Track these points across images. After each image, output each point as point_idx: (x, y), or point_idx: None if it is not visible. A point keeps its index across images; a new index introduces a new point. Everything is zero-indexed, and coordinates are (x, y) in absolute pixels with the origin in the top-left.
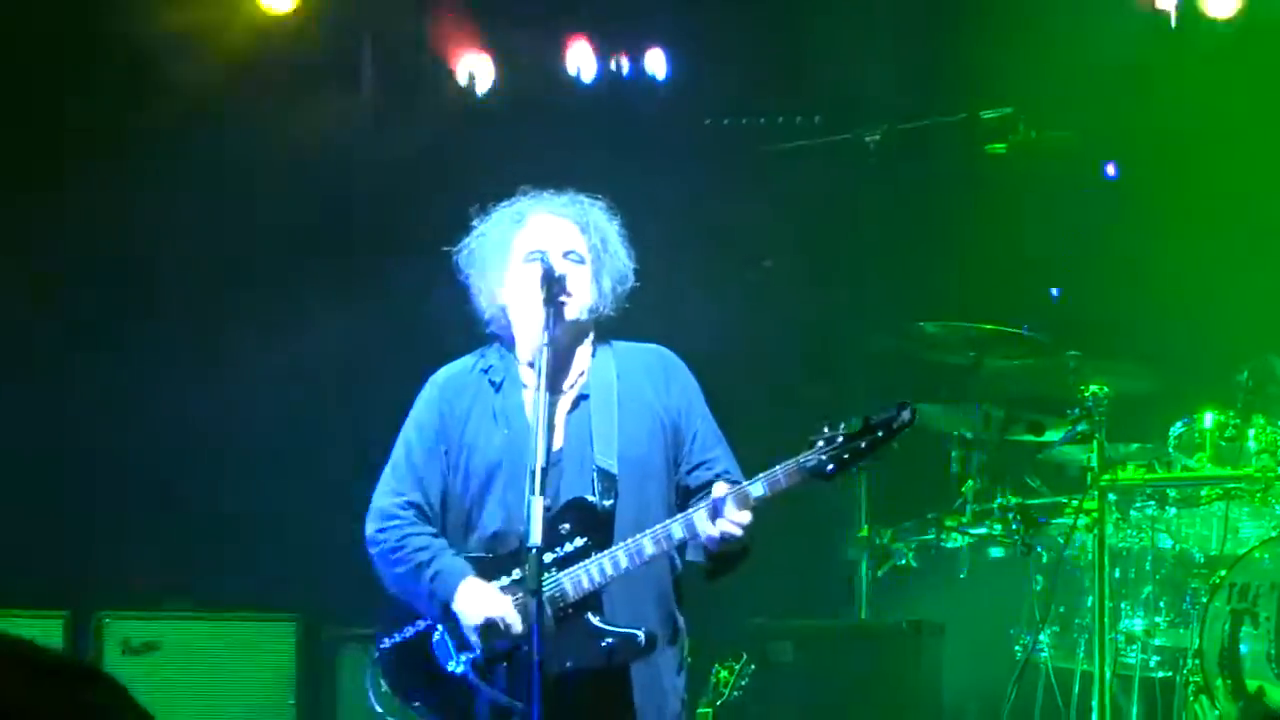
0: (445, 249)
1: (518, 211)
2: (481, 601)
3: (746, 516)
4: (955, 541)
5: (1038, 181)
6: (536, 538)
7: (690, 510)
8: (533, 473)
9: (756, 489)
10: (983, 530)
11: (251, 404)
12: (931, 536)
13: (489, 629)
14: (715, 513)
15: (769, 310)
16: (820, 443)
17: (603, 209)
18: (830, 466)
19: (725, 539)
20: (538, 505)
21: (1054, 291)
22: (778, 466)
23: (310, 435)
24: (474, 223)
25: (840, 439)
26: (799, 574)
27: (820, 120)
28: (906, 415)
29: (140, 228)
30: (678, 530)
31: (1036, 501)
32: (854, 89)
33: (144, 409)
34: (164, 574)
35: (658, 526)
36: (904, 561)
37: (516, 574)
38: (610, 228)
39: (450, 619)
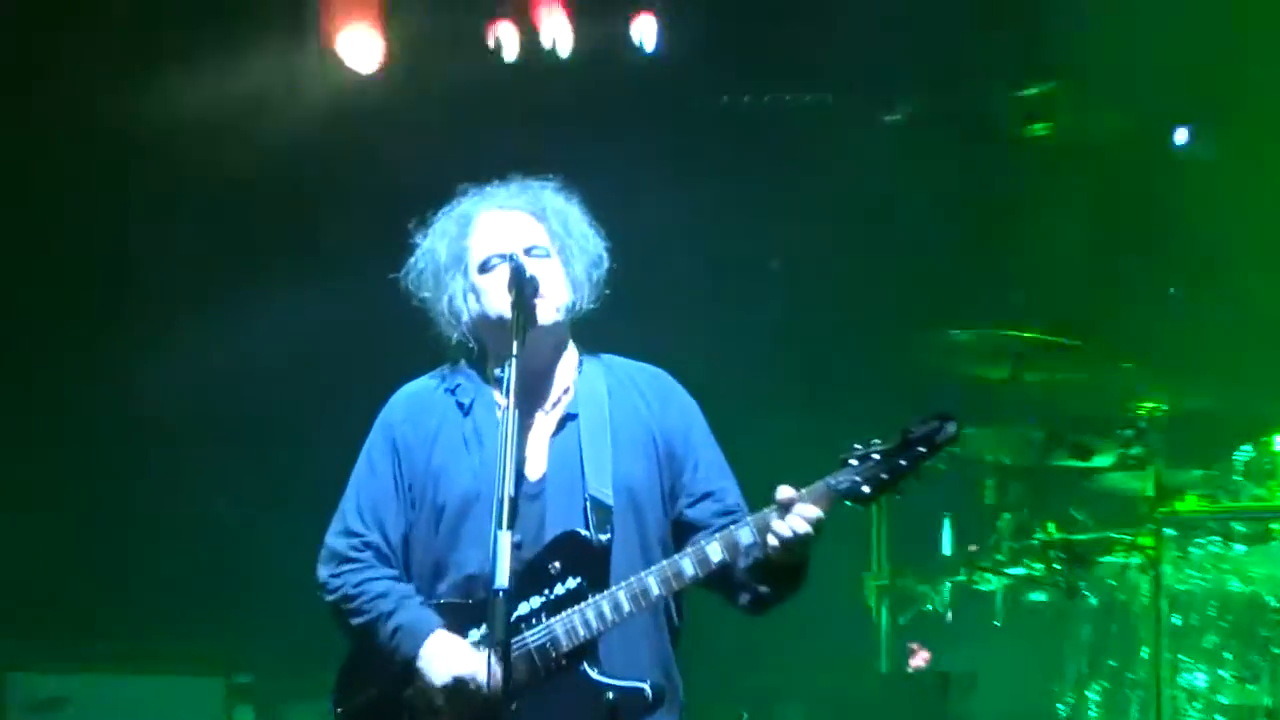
0: (391, 276)
1: (463, 215)
2: (451, 658)
3: (816, 510)
4: (989, 583)
5: (1085, 168)
6: (503, 579)
7: (714, 539)
8: (499, 502)
9: (774, 518)
10: (1021, 570)
11: (177, 427)
12: (962, 578)
13: (457, 692)
14: (784, 512)
15: (772, 319)
16: (853, 461)
17: (556, 189)
18: (866, 488)
19: (796, 540)
20: (505, 541)
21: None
22: (804, 490)
23: (252, 464)
24: (415, 239)
25: (876, 456)
26: (809, 622)
27: (833, 99)
28: (951, 428)
29: None
30: (689, 566)
31: (1083, 537)
32: (871, 62)
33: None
34: (79, 624)
35: (665, 563)
36: (930, 606)
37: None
38: (570, 209)
39: (416, 680)
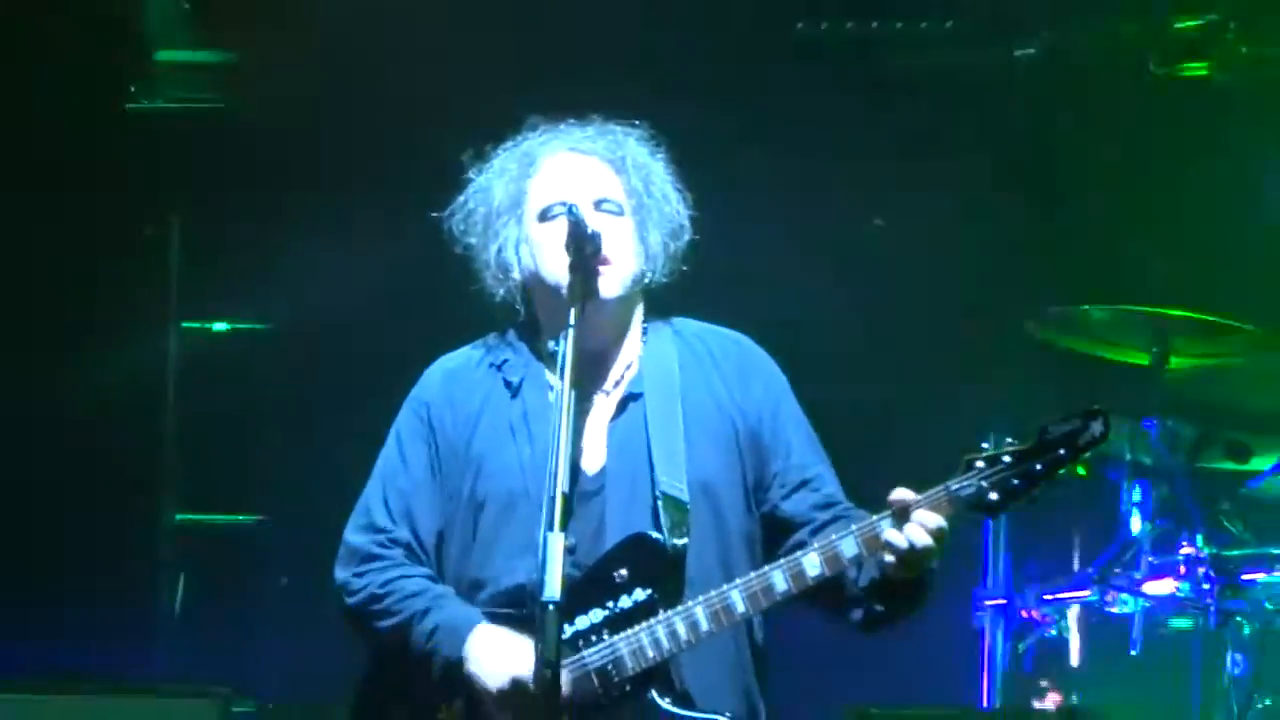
0: (433, 214)
1: (527, 153)
2: (505, 656)
3: (938, 519)
4: (1125, 606)
5: (1252, 114)
6: (554, 589)
7: (811, 549)
8: (550, 501)
9: (889, 526)
10: (1162, 591)
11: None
12: (1093, 599)
13: (515, 697)
14: (899, 521)
15: (879, 287)
16: (980, 463)
17: (641, 140)
18: (994, 495)
19: (913, 554)
20: (556, 545)
21: None
22: (920, 495)
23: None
24: (469, 174)
25: (1008, 459)
26: (911, 647)
27: (954, 28)
28: (1097, 428)
29: None
30: (780, 580)
31: (1237, 553)
32: None
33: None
34: (57, 641)
35: (753, 575)
36: (1054, 632)
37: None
38: (654, 164)
39: (461, 687)
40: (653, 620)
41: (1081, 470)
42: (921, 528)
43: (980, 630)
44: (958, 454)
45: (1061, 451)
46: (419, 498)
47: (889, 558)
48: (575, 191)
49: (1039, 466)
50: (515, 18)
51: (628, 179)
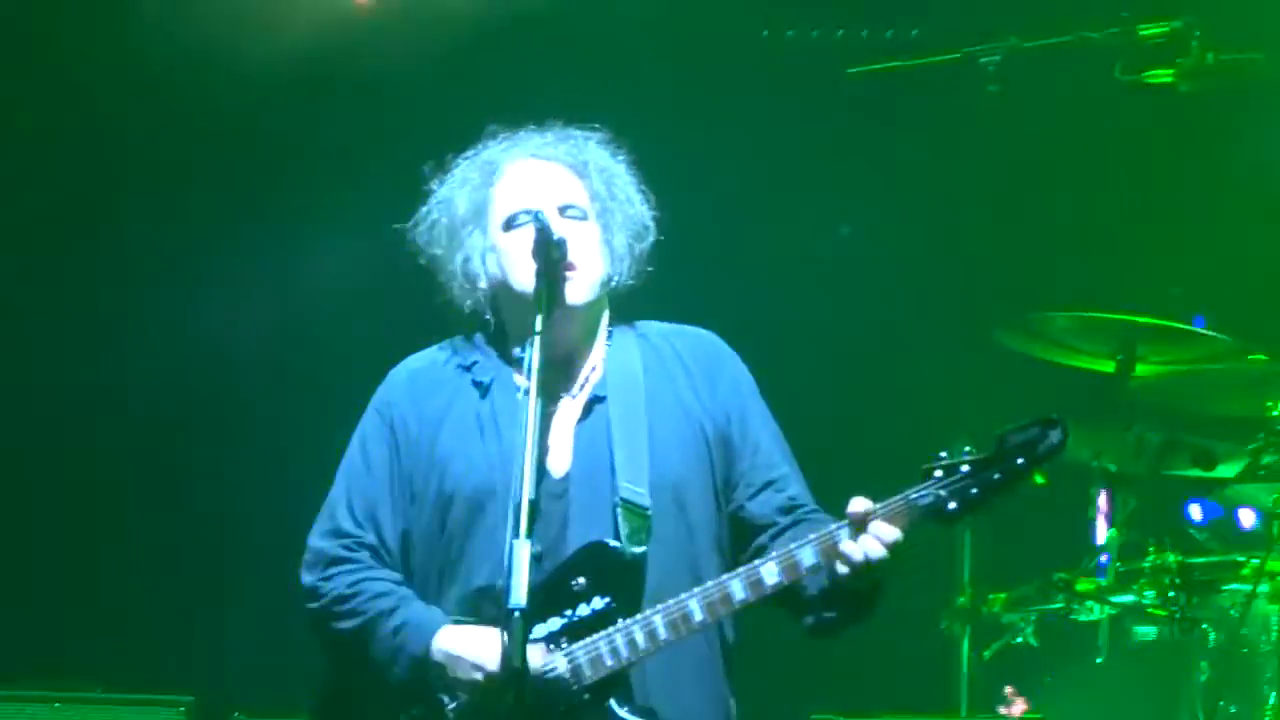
0: (395, 226)
1: (488, 161)
2: (474, 648)
3: (894, 532)
4: (1091, 613)
5: (1216, 121)
6: (520, 596)
7: (769, 558)
8: (517, 507)
9: (844, 537)
10: (1129, 599)
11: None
12: (1059, 606)
13: (487, 686)
14: (856, 531)
15: (845, 294)
16: (938, 472)
17: (602, 143)
18: (952, 504)
19: (868, 565)
20: (523, 552)
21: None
22: (878, 505)
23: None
24: (431, 185)
25: (966, 468)
26: (879, 654)
27: (919, 35)
28: (1055, 437)
29: None
30: (739, 589)
31: (1203, 560)
32: None
33: None
34: (19, 647)
35: (711, 584)
36: (1020, 639)
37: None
38: (616, 167)
39: (425, 688)
40: (611, 629)
41: (1040, 479)
42: (877, 540)
43: (947, 637)
44: (924, 461)
45: (1020, 460)
46: (383, 500)
47: (842, 567)
48: (539, 198)
49: (997, 475)
50: (482, 21)
51: (590, 183)
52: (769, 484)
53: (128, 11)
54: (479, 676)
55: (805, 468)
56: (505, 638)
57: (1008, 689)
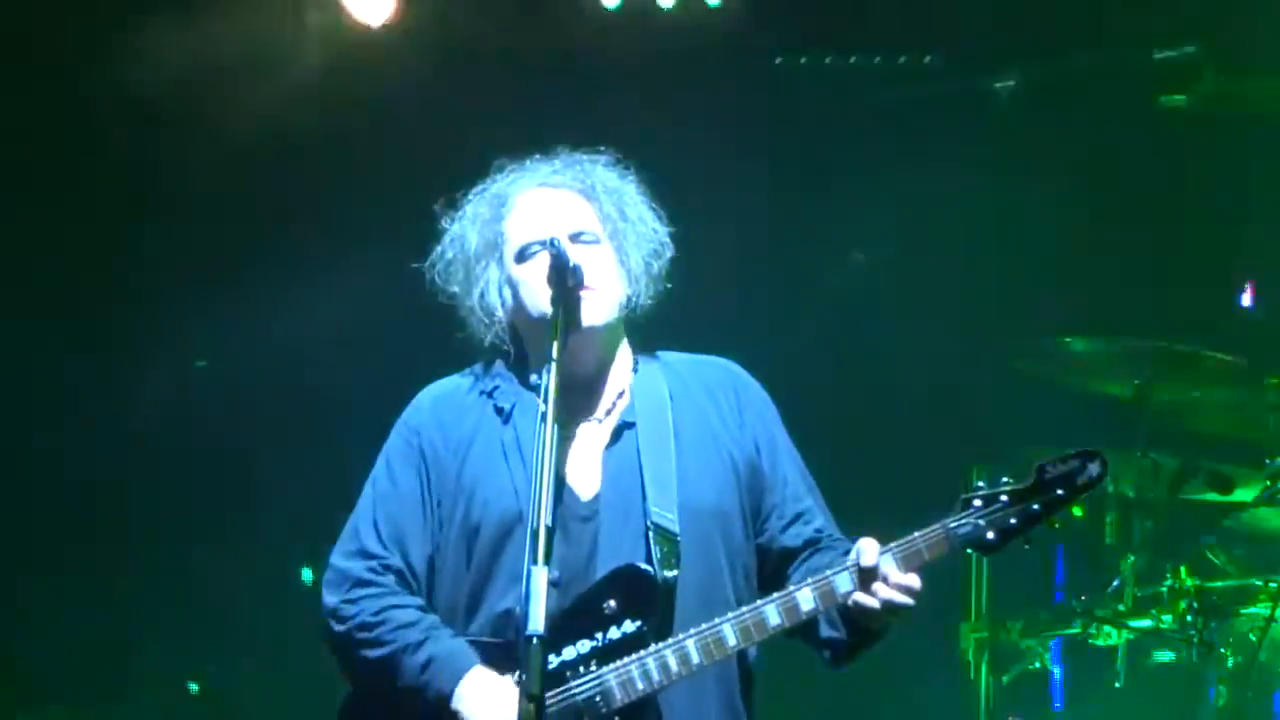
0: (414, 265)
1: (498, 194)
2: (496, 699)
3: (915, 580)
4: (1109, 638)
5: (1229, 146)
6: (537, 623)
7: (805, 584)
8: (534, 534)
9: (887, 563)
10: (1146, 623)
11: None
12: (1077, 631)
13: None
14: (870, 578)
15: (859, 320)
16: (978, 502)
17: (608, 165)
18: (991, 535)
19: (885, 611)
20: (540, 578)
21: (1244, 298)
22: (917, 534)
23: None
24: (443, 223)
25: (1005, 498)
26: (896, 680)
27: (934, 61)
28: (1095, 470)
29: None
30: (774, 615)
31: (1220, 585)
32: (979, 20)
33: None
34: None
35: (745, 609)
36: (1038, 665)
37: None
38: (625, 188)
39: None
40: (643, 652)
41: (1079, 510)
42: (900, 588)
43: (964, 663)
44: (940, 486)
45: (1059, 492)
46: (410, 523)
47: (857, 612)
48: (551, 227)
49: (1036, 506)
50: (488, 49)
51: (600, 206)
52: (799, 516)
53: (135, 37)
54: None
55: (824, 494)
56: (524, 665)
57: (1012, 717)
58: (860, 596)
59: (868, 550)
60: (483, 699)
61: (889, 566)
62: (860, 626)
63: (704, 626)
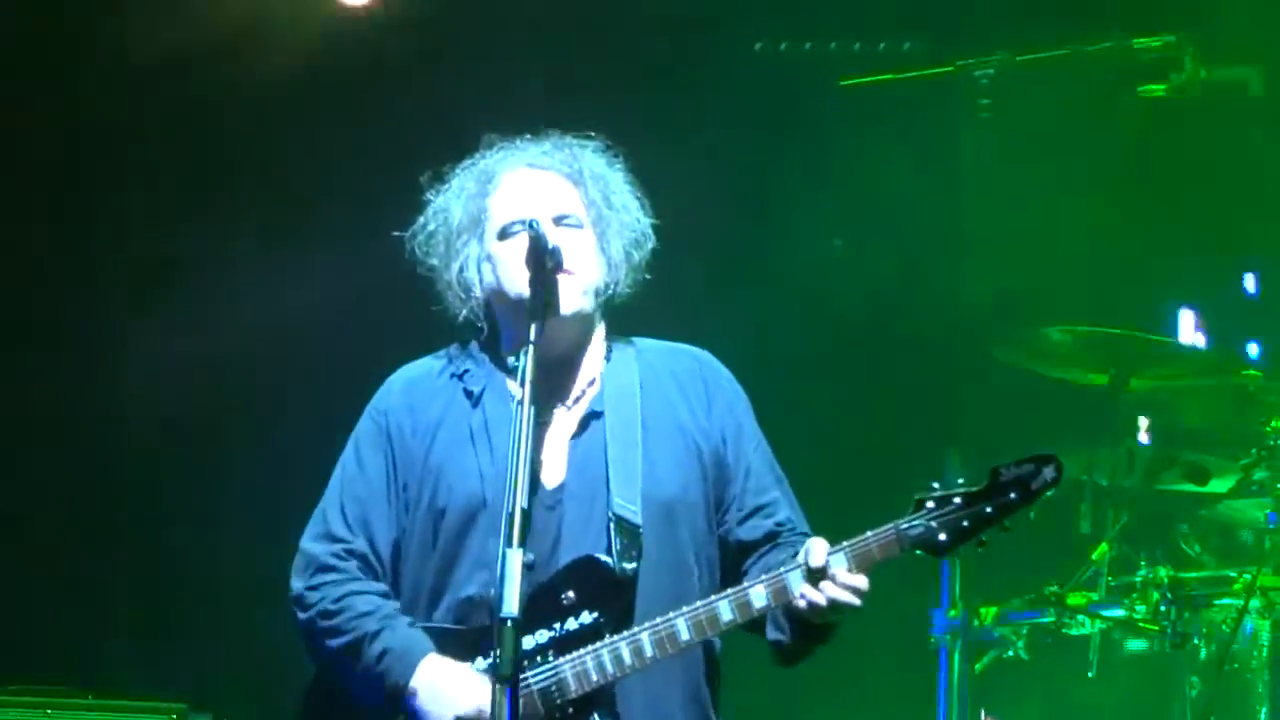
0: (395, 233)
1: (485, 170)
2: (453, 689)
3: (863, 581)
4: (1082, 627)
5: (1208, 136)
6: (512, 605)
7: (758, 580)
8: (510, 517)
9: (838, 562)
10: (1119, 612)
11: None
12: (1050, 619)
13: None
14: (818, 577)
15: (836, 307)
16: (930, 504)
17: (598, 151)
18: (942, 536)
19: (832, 609)
20: (515, 560)
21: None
22: (869, 533)
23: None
24: (428, 195)
25: (958, 500)
26: (867, 667)
27: (912, 48)
28: (1050, 473)
29: None
30: (727, 610)
31: (1194, 575)
32: (959, 7)
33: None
34: (10, 653)
35: (699, 604)
36: (1011, 653)
37: (495, 656)
38: (612, 175)
39: (405, 714)
40: (599, 644)
41: (1032, 514)
42: (847, 587)
43: (937, 651)
44: (918, 476)
45: (1013, 495)
46: (376, 507)
47: (803, 606)
48: (535, 207)
49: (989, 509)
50: (478, 31)
51: (586, 191)
52: (759, 509)
53: (123, 17)
54: (450, 716)
55: (799, 485)
56: (496, 648)
57: (986, 717)
58: (807, 591)
59: (816, 550)
60: (436, 688)
61: (838, 566)
62: (807, 624)
63: (658, 620)
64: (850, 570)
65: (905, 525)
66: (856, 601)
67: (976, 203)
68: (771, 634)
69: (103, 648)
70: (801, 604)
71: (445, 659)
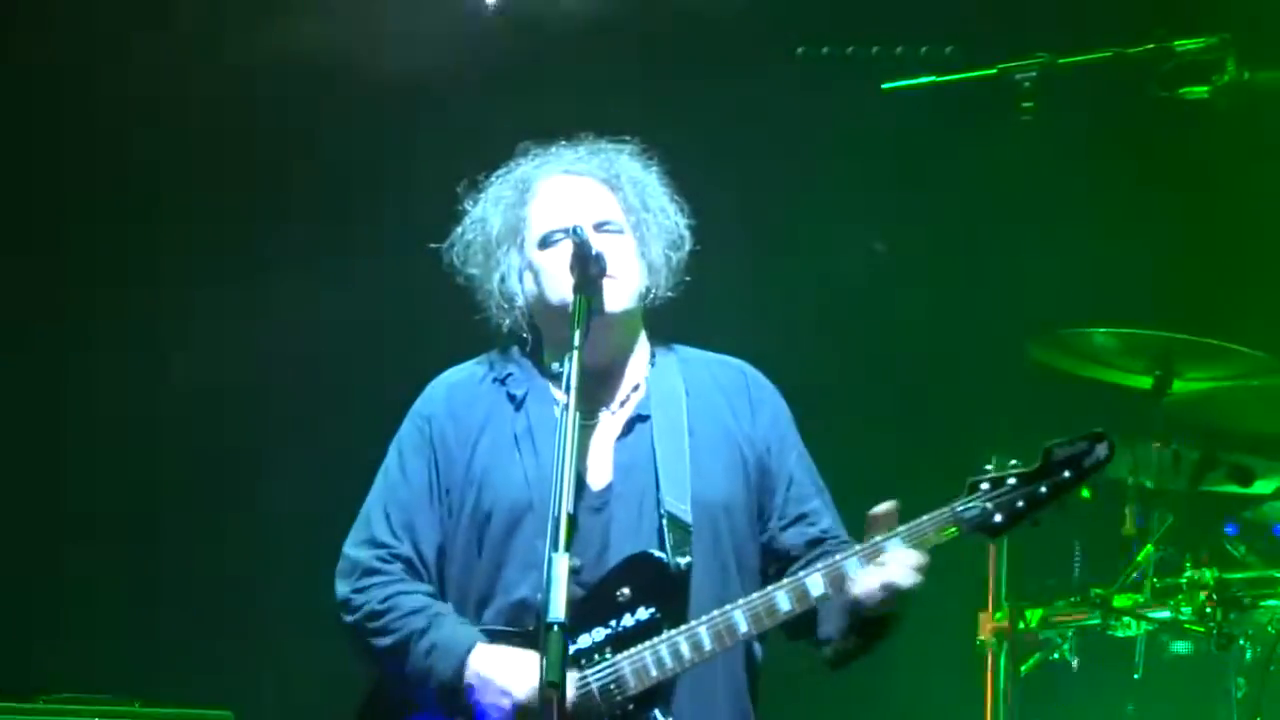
0: (432, 246)
1: (522, 179)
2: (505, 674)
3: (922, 557)
4: (1128, 629)
5: (1253, 139)
6: (558, 609)
7: (815, 569)
8: (555, 521)
9: (895, 546)
10: (1165, 614)
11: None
12: (1096, 622)
13: (516, 710)
14: (876, 555)
15: (878, 312)
16: (985, 485)
17: (634, 155)
18: (998, 517)
19: (888, 594)
20: (561, 566)
21: None
22: (925, 517)
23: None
24: (465, 205)
25: (1013, 481)
26: (910, 670)
27: (953, 52)
28: (1103, 451)
29: None
30: (785, 600)
31: (1240, 576)
32: (1000, 10)
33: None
34: (57, 661)
35: (756, 595)
36: (1057, 656)
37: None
38: (649, 178)
39: (460, 704)
40: (656, 639)
41: (1086, 493)
42: (909, 568)
43: (983, 654)
44: (960, 480)
45: (1066, 474)
46: (420, 512)
47: (863, 591)
48: (575, 215)
49: (1044, 489)
50: (508, 40)
51: (624, 195)
52: (801, 517)
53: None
54: (507, 704)
55: (841, 489)
56: (544, 653)
57: None
58: (867, 572)
59: (876, 522)
60: (490, 676)
61: (895, 549)
62: (866, 619)
63: (715, 613)
64: (913, 545)
65: (961, 507)
66: (917, 579)
67: (1016, 205)
68: (824, 631)
69: (149, 656)
70: (862, 587)
71: (495, 646)
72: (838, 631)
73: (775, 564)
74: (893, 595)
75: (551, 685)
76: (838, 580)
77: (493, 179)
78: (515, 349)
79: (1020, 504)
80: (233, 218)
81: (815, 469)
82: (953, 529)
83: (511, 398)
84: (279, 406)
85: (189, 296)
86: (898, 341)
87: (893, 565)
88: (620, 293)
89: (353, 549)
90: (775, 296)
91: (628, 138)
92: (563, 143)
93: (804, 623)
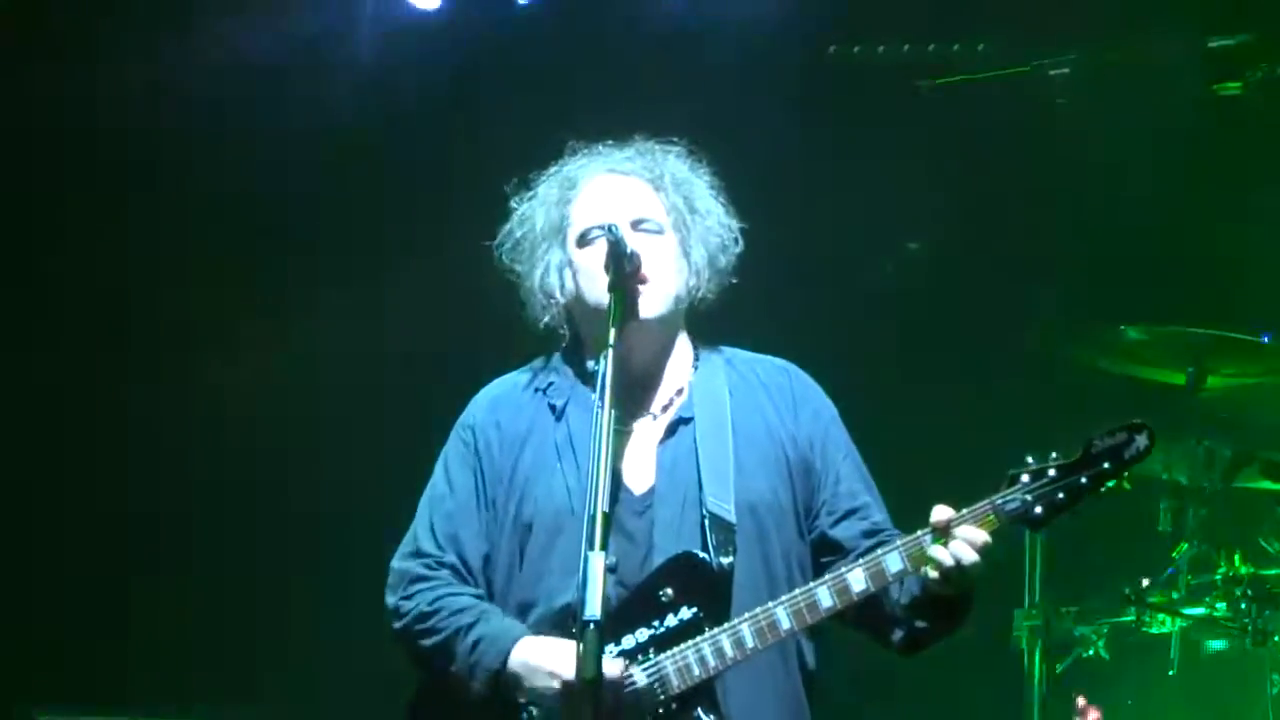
0: (485, 243)
1: (567, 177)
2: (551, 659)
3: (983, 534)
4: (1163, 626)
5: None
6: (594, 608)
7: (855, 565)
8: (591, 519)
9: (929, 543)
10: (1200, 611)
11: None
12: (1130, 619)
13: (566, 698)
14: (944, 534)
15: (913, 309)
16: (1025, 477)
17: (680, 156)
18: (1039, 509)
19: (959, 569)
20: (596, 564)
21: None
22: (965, 510)
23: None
24: (512, 202)
25: (1053, 473)
26: (947, 669)
27: (986, 49)
28: (1143, 442)
29: None
30: (826, 597)
31: (1275, 573)
32: (1032, 7)
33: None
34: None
35: (798, 592)
36: (1091, 652)
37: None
38: (695, 180)
39: (507, 696)
40: (699, 638)
41: (1127, 485)
42: (966, 543)
43: (1018, 651)
44: (994, 475)
45: (1106, 465)
46: (465, 522)
47: (933, 574)
48: (614, 212)
49: (1084, 480)
50: (546, 44)
51: (667, 196)
52: (852, 511)
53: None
54: (556, 685)
55: (884, 487)
56: (580, 650)
57: (1079, 700)
58: (936, 551)
59: (939, 510)
60: (535, 664)
61: (957, 526)
62: (937, 602)
63: (758, 611)
64: (976, 525)
65: (1001, 500)
66: (977, 558)
67: (1050, 201)
68: (891, 605)
69: (184, 661)
70: (936, 568)
71: (541, 637)
72: (904, 611)
73: (828, 558)
74: (954, 571)
75: (588, 682)
76: (878, 576)
77: (541, 177)
78: (557, 355)
79: (1061, 495)
80: (265, 217)
81: (863, 465)
82: (993, 520)
83: (552, 408)
84: (318, 408)
85: (220, 297)
86: (930, 340)
87: (957, 541)
88: (654, 298)
89: (399, 562)
90: (807, 298)
91: (675, 140)
92: (609, 142)
93: (869, 609)
